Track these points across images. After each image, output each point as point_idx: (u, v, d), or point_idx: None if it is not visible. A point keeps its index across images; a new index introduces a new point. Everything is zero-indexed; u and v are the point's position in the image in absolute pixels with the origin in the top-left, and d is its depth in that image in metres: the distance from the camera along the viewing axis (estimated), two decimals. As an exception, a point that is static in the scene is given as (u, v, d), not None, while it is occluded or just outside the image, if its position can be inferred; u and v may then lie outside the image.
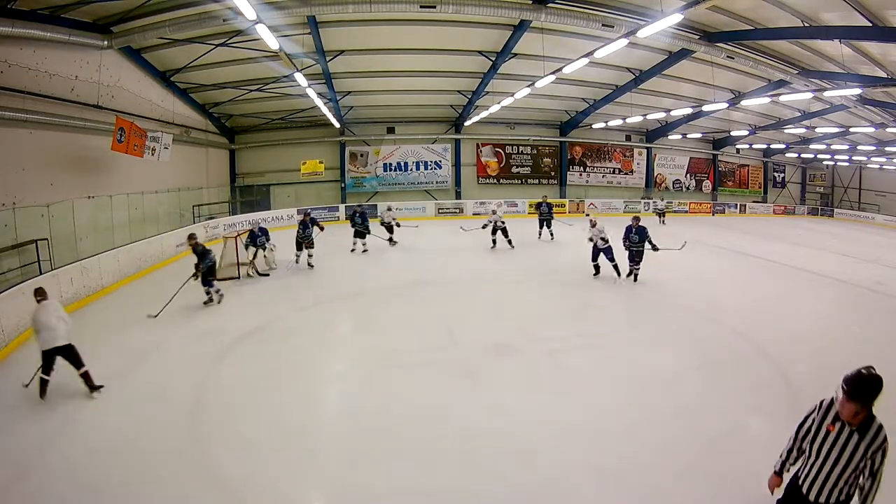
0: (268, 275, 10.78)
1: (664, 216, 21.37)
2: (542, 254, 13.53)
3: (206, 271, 8.51)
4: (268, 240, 11.00)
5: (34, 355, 6.37)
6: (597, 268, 10.55)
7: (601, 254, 10.33)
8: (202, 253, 8.49)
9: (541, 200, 15.78)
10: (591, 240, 10.51)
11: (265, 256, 11.11)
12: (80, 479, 3.86)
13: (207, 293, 8.60)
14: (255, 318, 7.81)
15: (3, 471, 3.96)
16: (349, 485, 3.88)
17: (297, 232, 11.60)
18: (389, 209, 14.46)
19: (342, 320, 8.02)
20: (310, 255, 11.47)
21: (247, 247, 10.83)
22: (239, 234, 11.14)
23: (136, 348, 6.53)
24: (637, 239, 9.99)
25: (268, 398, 5.24)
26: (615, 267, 10.20)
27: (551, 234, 15.49)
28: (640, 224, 10.08)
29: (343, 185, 22.28)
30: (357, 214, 13.19)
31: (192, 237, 8.69)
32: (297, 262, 11.59)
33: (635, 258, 10.10)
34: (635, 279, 10.06)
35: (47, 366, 5.10)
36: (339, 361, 6.45)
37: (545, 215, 15.31)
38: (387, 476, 3.95)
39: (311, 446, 4.40)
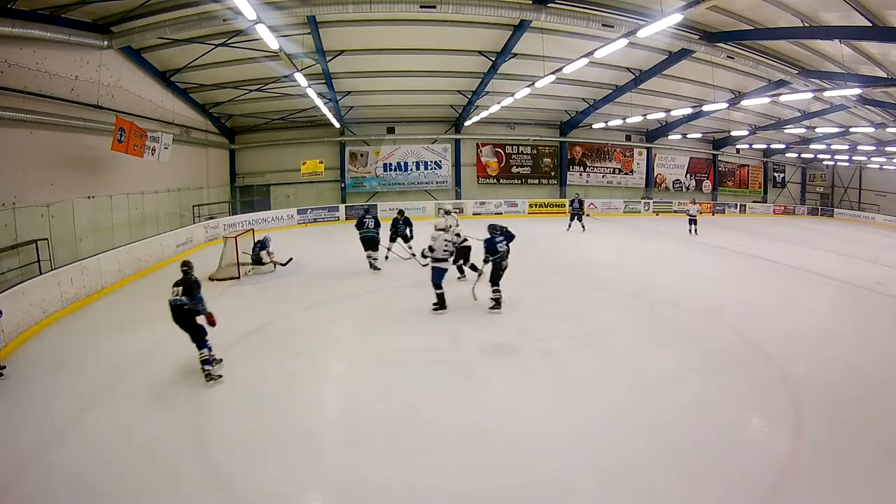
0: (285, 264, 11.10)
1: (696, 224, 17.44)
2: (541, 254, 13.53)
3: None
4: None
5: (35, 354, 6.41)
6: (441, 298, 7.97)
7: (443, 276, 7.92)
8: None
9: (573, 197, 18.13)
10: (430, 250, 7.97)
11: (270, 254, 11.15)
12: (81, 479, 3.85)
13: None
14: (255, 319, 7.80)
15: (3, 470, 3.96)
16: (349, 484, 3.88)
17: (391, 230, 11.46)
18: (448, 212, 10.73)
19: (342, 320, 8.02)
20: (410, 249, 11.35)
21: (259, 251, 10.96)
22: (239, 235, 11.15)
23: (136, 348, 6.53)
24: (506, 249, 7.83)
25: (268, 398, 5.23)
26: (440, 298, 7.87)
27: (582, 227, 17.33)
28: (502, 225, 7.98)
29: (343, 185, 22.29)
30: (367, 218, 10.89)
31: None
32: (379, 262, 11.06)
33: (497, 275, 7.80)
34: (496, 305, 7.88)
35: None
36: (339, 361, 6.45)
37: (576, 210, 17.40)
38: (387, 475, 3.95)
39: (311, 446, 4.40)
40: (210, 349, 5.58)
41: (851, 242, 17.90)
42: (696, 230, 17.37)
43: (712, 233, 18.59)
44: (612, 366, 6.05)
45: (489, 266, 8.00)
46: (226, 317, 7.95)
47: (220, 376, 5.61)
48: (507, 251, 8.01)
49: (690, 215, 17.50)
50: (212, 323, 5.64)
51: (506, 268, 7.98)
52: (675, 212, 24.53)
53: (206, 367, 5.54)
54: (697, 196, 26.79)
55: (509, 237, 8.14)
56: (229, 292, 9.46)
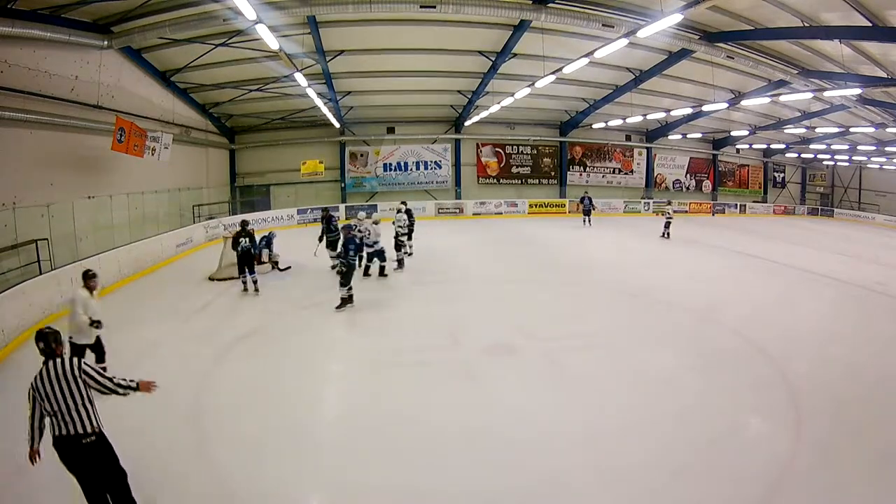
0: (289, 268, 11.14)
1: (669, 227, 16.43)
2: (541, 254, 13.54)
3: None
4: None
5: (35, 354, 6.38)
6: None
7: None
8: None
9: (584, 195, 19.43)
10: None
11: (272, 254, 11.19)
12: (81, 478, 3.85)
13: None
14: (254, 318, 7.81)
15: (3, 469, 3.96)
16: (349, 484, 3.88)
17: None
18: (400, 210, 12.07)
19: (342, 320, 8.01)
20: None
21: (261, 251, 10.93)
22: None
23: (135, 348, 6.52)
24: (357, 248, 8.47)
25: (267, 398, 5.23)
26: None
27: (589, 222, 18.71)
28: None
29: (343, 185, 22.29)
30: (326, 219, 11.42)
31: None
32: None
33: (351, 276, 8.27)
34: (343, 305, 8.18)
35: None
36: (338, 361, 6.45)
37: (587, 207, 18.80)
38: (387, 475, 3.95)
39: (310, 446, 4.40)
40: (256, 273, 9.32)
41: (851, 242, 17.90)
42: (668, 234, 16.34)
43: (712, 233, 18.62)
44: (612, 366, 6.06)
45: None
46: (226, 317, 8.02)
47: (258, 291, 9.25)
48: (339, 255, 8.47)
49: (668, 217, 16.57)
50: (259, 260, 9.86)
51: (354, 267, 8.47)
52: (676, 212, 24.51)
53: (256, 283, 9.29)
54: (697, 196, 26.86)
55: None
56: (229, 292, 9.46)
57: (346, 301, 8.18)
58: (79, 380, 3.13)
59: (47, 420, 3.16)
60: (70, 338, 5.07)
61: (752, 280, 10.98)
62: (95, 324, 5.14)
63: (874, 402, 5.14)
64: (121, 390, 3.37)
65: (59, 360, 3.19)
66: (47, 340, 3.23)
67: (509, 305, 8.58)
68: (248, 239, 9.04)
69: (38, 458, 3.23)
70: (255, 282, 9.21)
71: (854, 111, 17.62)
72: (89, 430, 3.15)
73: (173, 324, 7.59)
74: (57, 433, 3.11)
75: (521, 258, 13.04)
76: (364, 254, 9.97)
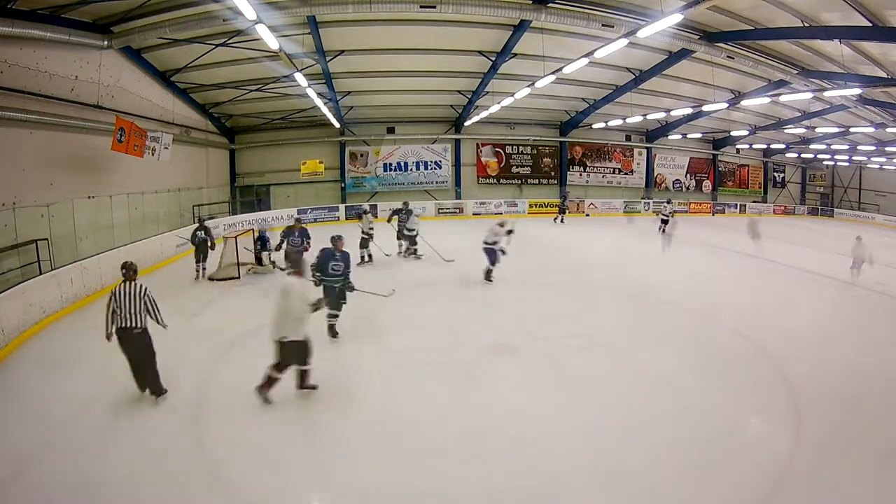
0: (284, 269, 10.89)
1: (667, 223, 16.35)
2: (541, 254, 13.54)
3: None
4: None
5: (35, 354, 6.39)
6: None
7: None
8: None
9: (565, 195, 21.87)
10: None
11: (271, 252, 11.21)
12: (81, 478, 3.85)
13: None
14: (254, 318, 7.76)
15: (3, 470, 3.96)
16: (349, 484, 3.88)
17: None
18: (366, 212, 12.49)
19: (342, 320, 7.99)
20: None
21: (260, 250, 11.09)
22: (239, 235, 11.15)
23: (136, 348, 6.51)
24: (340, 269, 6.58)
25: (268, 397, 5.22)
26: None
27: (563, 220, 20.11)
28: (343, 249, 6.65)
29: (343, 185, 22.29)
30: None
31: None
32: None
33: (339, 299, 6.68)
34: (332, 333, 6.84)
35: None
36: (338, 361, 6.43)
37: (562, 205, 20.89)
38: (387, 476, 3.95)
39: (310, 445, 4.40)
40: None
41: (851, 242, 17.85)
42: (664, 230, 16.21)
43: (712, 233, 18.61)
44: (612, 366, 6.06)
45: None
46: (226, 317, 8.02)
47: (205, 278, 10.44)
48: (344, 276, 6.62)
49: (663, 215, 16.87)
50: (213, 247, 10.71)
51: (336, 289, 6.62)
52: (675, 212, 24.48)
53: (205, 271, 10.52)
54: (697, 196, 26.83)
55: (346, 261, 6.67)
56: (229, 292, 9.46)
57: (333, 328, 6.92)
58: (141, 299, 4.90)
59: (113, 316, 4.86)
60: (283, 338, 4.81)
61: (753, 280, 10.99)
62: (317, 304, 5.02)
63: (874, 402, 5.15)
64: (161, 323, 5.09)
65: (133, 283, 4.94)
66: (129, 269, 5.04)
67: (509, 305, 8.58)
68: (203, 232, 10.52)
69: (109, 341, 4.93)
70: (203, 269, 10.51)
71: (854, 111, 17.61)
72: (137, 325, 4.87)
73: (174, 323, 7.53)
74: (118, 325, 4.86)
75: (520, 258, 12.99)
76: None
